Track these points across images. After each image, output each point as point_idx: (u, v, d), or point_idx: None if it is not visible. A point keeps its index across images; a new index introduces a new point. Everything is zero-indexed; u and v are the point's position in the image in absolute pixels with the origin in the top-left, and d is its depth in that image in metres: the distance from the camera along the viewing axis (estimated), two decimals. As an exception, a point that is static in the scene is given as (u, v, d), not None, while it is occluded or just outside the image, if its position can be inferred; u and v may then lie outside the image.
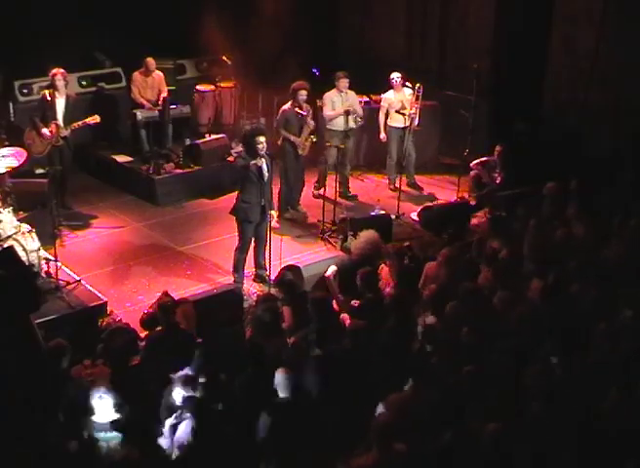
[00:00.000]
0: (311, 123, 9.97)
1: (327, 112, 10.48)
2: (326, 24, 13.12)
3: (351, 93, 10.53)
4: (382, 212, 10.06)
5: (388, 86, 10.91)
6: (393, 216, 10.04)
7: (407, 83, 10.86)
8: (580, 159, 10.07)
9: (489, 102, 11.42)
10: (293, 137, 9.91)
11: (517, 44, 11.16)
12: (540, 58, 11.06)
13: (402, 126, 10.81)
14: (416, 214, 10.20)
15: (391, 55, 12.92)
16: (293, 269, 8.04)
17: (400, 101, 10.79)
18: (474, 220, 9.94)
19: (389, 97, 10.89)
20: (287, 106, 9.99)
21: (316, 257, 9.06)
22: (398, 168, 10.96)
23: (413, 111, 10.69)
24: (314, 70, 11.42)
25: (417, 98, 10.74)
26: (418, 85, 10.72)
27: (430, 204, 10.53)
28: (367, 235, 7.70)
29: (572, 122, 10.75)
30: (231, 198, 10.92)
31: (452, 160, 11.33)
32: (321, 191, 10.39)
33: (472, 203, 10.38)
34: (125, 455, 4.68)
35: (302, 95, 9.86)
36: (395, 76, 10.81)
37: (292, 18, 11.11)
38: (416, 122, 10.80)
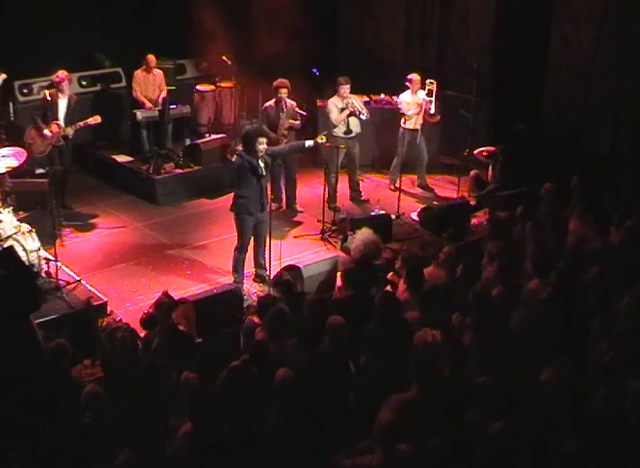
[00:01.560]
0: (286, 123, 10.02)
1: (334, 117, 10.41)
2: (326, 24, 13.12)
3: (353, 96, 10.50)
4: (382, 212, 10.07)
5: (405, 87, 10.86)
6: (393, 216, 10.05)
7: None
8: (580, 159, 10.07)
9: (489, 102, 11.43)
10: (272, 134, 9.92)
11: (517, 44, 11.17)
12: (540, 59, 11.06)
13: (413, 127, 10.81)
14: (416, 213, 10.20)
15: (391, 55, 12.93)
16: (293, 269, 8.04)
17: (416, 103, 10.78)
18: (474, 220, 9.93)
19: (406, 99, 10.83)
20: (269, 104, 10.16)
21: (316, 257, 9.06)
22: (402, 169, 10.95)
23: (428, 104, 10.66)
24: (314, 70, 11.42)
25: (429, 94, 10.68)
26: (429, 80, 10.70)
27: (430, 204, 10.54)
28: (364, 236, 7.67)
29: (572, 122, 10.75)
30: (231, 198, 11.00)
31: (452, 160, 11.34)
32: (337, 204, 10.49)
33: (472, 203, 10.38)
34: (126, 459, 4.67)
35: (282, 93, 10.01)
36: (414, 78, 10.75)
37: (292, 17, 11.11)
38: (432, 111, 10.67)
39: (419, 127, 10.82)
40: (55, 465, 4.97)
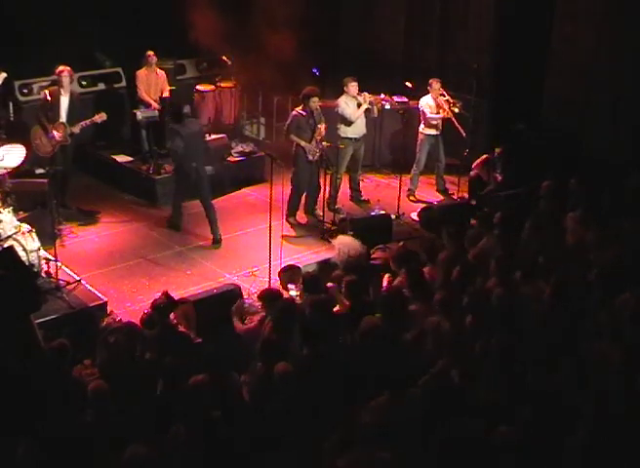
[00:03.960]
0: (323, 129, 9.92)
1: (347, 113, 10.31)
2: (326, 24, 13.12)
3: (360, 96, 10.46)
4: (382, 212, 10.07)
5: (426, 90, 10.79)
6: (393, 216, 10.05)
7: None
8: (579, 159, 10.07)
9: (489, 102, 11.43)
10: (303, 143, 9.87)
11: (517, 44, 11.16)
12: (540, 58, 11.06)
13: (435, 133, 10.80)
14: (416, 213, 10.20)
15: (391, 55, 12.92)
16: (293, 269, 8.03)
17: (438, 106, 10.71)
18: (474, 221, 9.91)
19: (429, 103, 10.73)
20: (298, 111, 9.94)
21: (316, 257, 9.07)
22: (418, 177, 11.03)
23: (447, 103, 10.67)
24: (314, 70, 11.42)
25: (442, 94, 10.69)
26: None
27: (430, 204, 10.54)
28: (344, 244, 7.65)
29: (572, 122, 10.75)
30: (231, 198, 11.03)
31: (452, 160, 11.34)
32: (338, 206, 10.47)
33: (472, 203, 10.38)
34: (133, 453, 4.68)
35: (314, 101, 9.83)
36: (435, 84, 10.66)
37: (292, 18, 11.10)
38: (457, 110, 10.65)
39: (439, 132, 10.81)
40: (56, 464, 4.97)
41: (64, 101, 9.73)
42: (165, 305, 6.59)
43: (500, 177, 10.39)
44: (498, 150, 10.42)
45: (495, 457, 4.58)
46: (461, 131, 10.59)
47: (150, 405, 5.56)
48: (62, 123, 9.64)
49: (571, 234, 7.82)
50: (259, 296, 7.07)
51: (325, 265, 8.00)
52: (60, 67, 9.74)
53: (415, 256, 7.49)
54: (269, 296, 6.80)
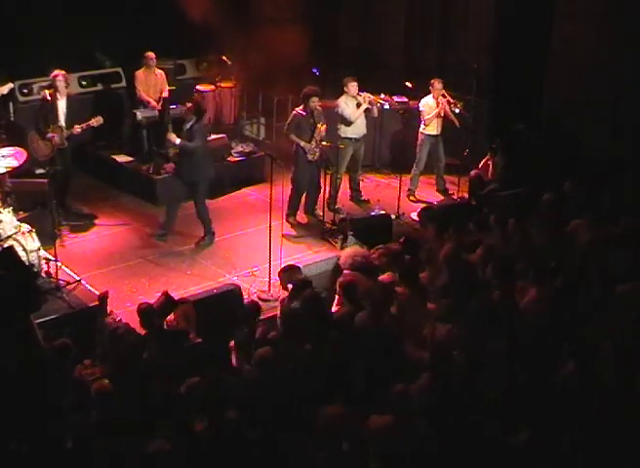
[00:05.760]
0: (323, 129, 9.92)
1: (347, 113, 10.32)
2: (326, 24, 13.11)
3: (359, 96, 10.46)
4: (382, 212, 10.07)
5: (426, 90, 10.79)
6: (393, 216, 10.05)
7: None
8: (579, 159, 10.07)
9: (489, 102, 11.43)
10: (303, 143, 9.87)
11: (517, 43, 11.15)
12: (540, 58, 11.05)
13: (436, 133, 10.80)
14: (416, 213, 10.19)
15: (391, 55, 12.92)
16: (292, 269, 8.03)
17: (437, 106, 10.71)
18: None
19: (429, 103, 10.73)
20: (298, 111, 9.95)
21: (316, 257, 9.07)
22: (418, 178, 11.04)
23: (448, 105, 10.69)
24: (314, 70, 11.42)
25: (443, 95, 10.70)
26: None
27: (430, 204, 10.54)
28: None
29: (572, 122, 10.75)
30: (231, 198, 11.03)
31: (452, 160, 11.34)
32: (338, 206, 10.48)
33: (472, 203, 10.37)
34: (158, 447, 4.68)
35: (314, 101, 9.83)
36: (436, 84, 10.67)
37: (292, 17, 11.10)
38: (457, 110, 10.69)
39: (439, 132, 10.82)
40: (58, 464, 4.98)
41: (62, 105, 9.71)
42: (165, 305, 6.60)
43: (497, 171, 10.37)
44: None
45: (494, 456, 4.59)
46: (456, 122, 10.64)
47: (150, 404, 5.56)
48: (60, 126, 9.62)
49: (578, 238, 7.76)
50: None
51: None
52: (55, 71, 9.69)
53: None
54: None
